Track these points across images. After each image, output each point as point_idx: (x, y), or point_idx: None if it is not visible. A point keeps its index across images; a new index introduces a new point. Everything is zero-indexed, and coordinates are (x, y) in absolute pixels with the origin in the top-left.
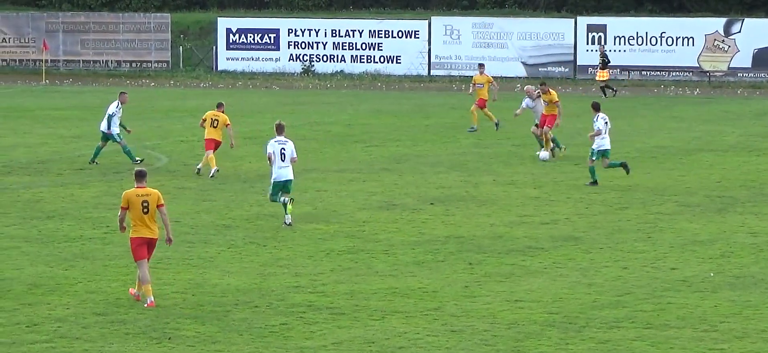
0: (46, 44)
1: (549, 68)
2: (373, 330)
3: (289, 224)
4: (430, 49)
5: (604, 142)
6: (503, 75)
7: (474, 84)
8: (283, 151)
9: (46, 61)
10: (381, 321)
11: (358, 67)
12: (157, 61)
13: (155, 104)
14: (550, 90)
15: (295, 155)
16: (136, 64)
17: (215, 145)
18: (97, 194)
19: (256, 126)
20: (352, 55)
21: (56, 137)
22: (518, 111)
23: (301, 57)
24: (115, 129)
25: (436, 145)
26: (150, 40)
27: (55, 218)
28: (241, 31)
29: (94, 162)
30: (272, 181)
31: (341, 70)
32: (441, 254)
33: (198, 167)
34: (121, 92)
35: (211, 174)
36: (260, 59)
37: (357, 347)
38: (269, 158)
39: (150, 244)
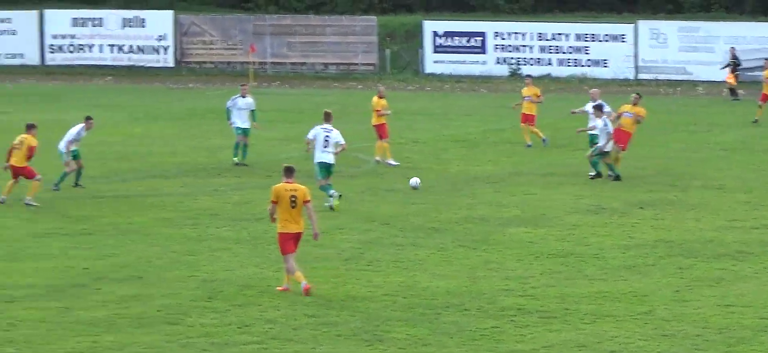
0: (254, 47)
1: (756, 73)
2: (584, 333)
3: (332, 208)
4: (636, 53)
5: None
6: (710, 80)
7: (523, 98)
8: (327, 138)
9: (254, 63)
10: (592, 324)
11: (565, 71)
12: (364, 64)
13: (362, 106)
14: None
15: (343, 142)
16: (343, 67)
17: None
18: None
19: (464, 129)
20: (558, 59)
21: (263, 140)
22: (577, 110)
23: (507, 60)
24: (66, 148)
25: (643, 148)
26: (357, 43)
27: (264, 220)
28: (448, 34)
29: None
30: (316, 162)
31: (548, 74)
32: (651, 258)
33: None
34: (88, 118)
35: (382, 161)
36: (466, 62)
37: (568, 350)
38: (308, 142)
39: (296, 238)
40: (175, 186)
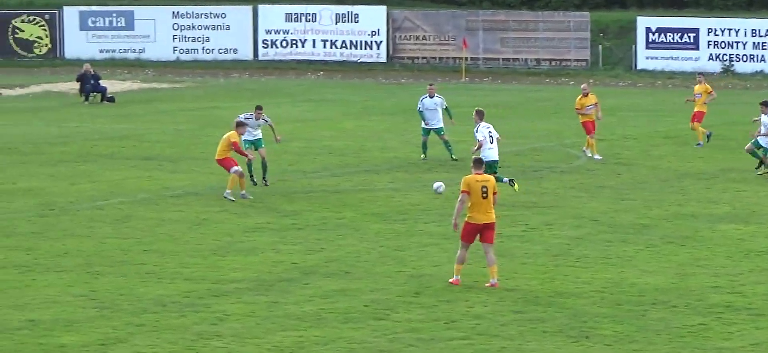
0: (466, 42)
1: None
2: None
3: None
4: None
5: None
6: None
7: (694, 95)
8: (491, 134)
9: (466, 58)
10: None
11: None
12: (577, 60)
13: (573, 102)
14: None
15: (497, 135)
16: (556, 63)
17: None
18: (521, 192)
19: (676, 126)
20: None
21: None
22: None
23: (720, 57)
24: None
25: None
26: (569, 39)
27: None
28: (661, 31)
29: None
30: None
31: (761, 71)
32: None
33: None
34: (258, 107)
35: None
36: (679, 59)
37: None
38: (480, 144)
39: (485, 228)
40: (385, 181)
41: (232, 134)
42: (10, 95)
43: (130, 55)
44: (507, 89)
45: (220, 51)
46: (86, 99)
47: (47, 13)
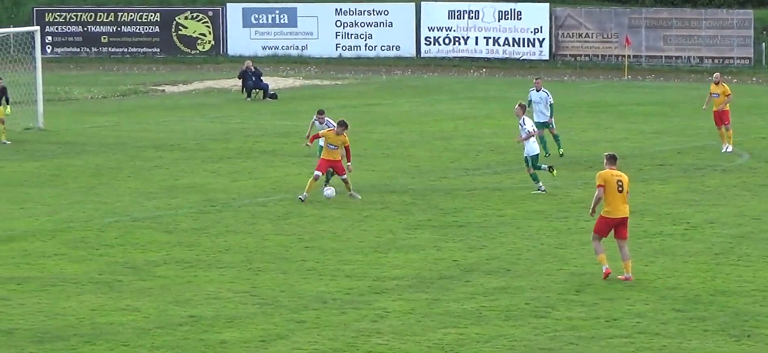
0: (629, 40)
1: None
2: None
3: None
4: None
5: None
6: None
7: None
8: (534, 128)
9: (628, 56)
10: None
11: None
12: (740, 58)
13: (736, 100)
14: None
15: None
16: (718, 61)
17: None
18: (677, 190)
19: None
20: None
21: (637, 133)
22: None
23: None
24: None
25: None
26: (732, 37)
27: (635, 213)
28: None
29: None
30: (528, 156)
31: None
32: None
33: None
34: (319, 111)
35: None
36: None
37: None
38: (530, 135)
39: (620, 224)
40: (547, 178)
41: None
42: (173, 92)
43: (293, 52)
44: (669, 87)
45: (383, 48)
46: (248, 96)
47: (211, 10)
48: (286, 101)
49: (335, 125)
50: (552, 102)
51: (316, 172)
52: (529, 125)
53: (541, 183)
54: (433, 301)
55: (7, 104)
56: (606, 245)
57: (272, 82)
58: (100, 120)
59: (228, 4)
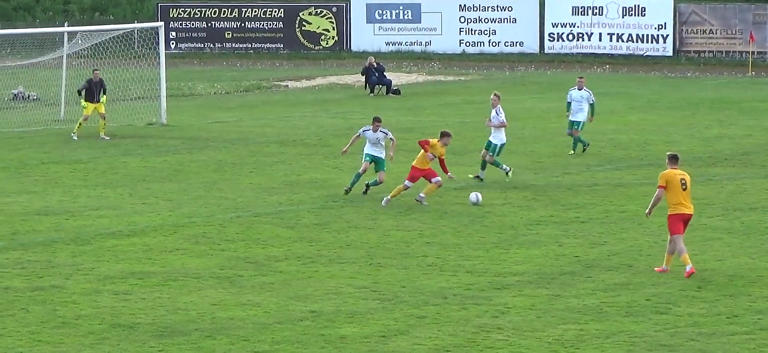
0: (753, 36)
1: None
2: None
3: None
4: None
5: None
6: None
7: None
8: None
9: (753, 52)
10: None
11: None
12: None
13: None
14: None
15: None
16: None
17: None
18: None
19: None
20: None
21: (761, 129)
22: None
23: None
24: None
25: None
26: None
27: (757, 210)
28: None
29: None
30: (497, 144)
31: None
32: None
33: None
34: (375, 118)
35: None
36: None
37: None
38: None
39: (686, 220)
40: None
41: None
42: (296, 88)
43: (416, 48)
44: None
45: (506, 44)
46: (371, 92)
47: (334, 5)
48: (409, 97)
49: (389, 132)
50: (593, 102)
51: (408, 182)
52: (503, 115)
53: (505, 166)
54: (554, 297)
55: (104, 94)
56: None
57: (395, 78)
58: (223, 116)
59: (352, 0)
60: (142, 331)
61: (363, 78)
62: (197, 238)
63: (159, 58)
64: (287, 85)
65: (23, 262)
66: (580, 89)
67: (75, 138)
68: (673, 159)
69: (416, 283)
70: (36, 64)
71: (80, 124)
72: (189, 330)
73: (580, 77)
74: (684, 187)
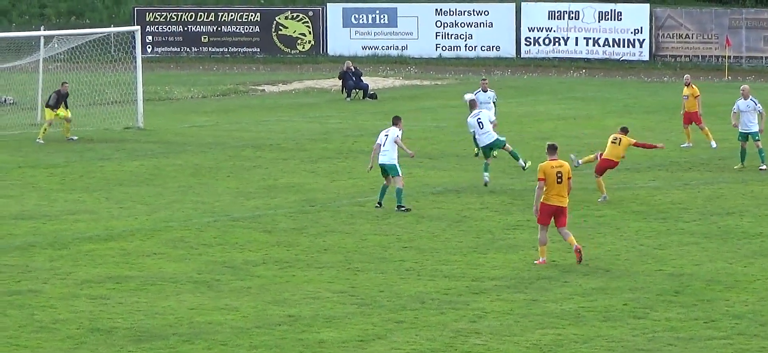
0: (729, 40)
1: None
2: None
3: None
4: None
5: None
6: None
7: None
8: (479, 120)
9: (729, 57)
10: None
11: None
12: None
13: None
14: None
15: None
16: None
17: None
18: None
19: None
20: None
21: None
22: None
23: None
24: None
25: None
26: None
27: (734, 214)
28: None
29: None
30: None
31: None
32: None
33: None
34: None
35: None
36: None
37: None
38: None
39: (559, 212)
40: (647, 179)
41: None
42: (273, 92)
43: (393, 53)
44: None
45: (483, 48)
46: (348, 96)
47: (311, 9)
48: (386, 101)
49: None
50: (496, 100)
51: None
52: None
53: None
54: (532, 302)
55: (66, 108)
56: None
57: (372, 82)
58: (200, 120)
59: (328, 4)
60: (120, 336)
61: (340, 82)
62: (175, 242)
63: (135, 62)
64: (264, 90)
65: (0, 267)
66: (484, 91)
67: (41, 142)
68: (552, 149)
69: (394, 288)
70: (12, 68)
71: (45, 129)
72: (167, 335)
73: (483, 79)
74: (559, 180)
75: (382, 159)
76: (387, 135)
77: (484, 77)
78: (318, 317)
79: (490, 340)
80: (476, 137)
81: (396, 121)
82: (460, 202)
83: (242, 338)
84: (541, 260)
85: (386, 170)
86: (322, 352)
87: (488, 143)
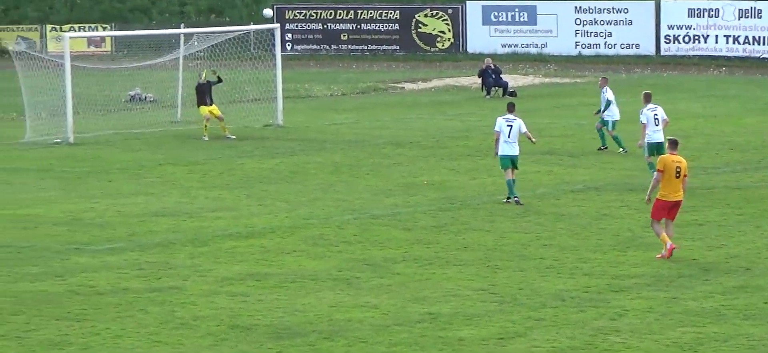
0: None
1: None
2: None
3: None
4: None
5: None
6: None
7: None
8: (656, 116)
9: None
10: None
11: None
12: None
13: None
14: None
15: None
16: None
17: None
18: None
19: None
20: None
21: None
22: None
23: None
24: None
25: None
26: None
27: None
28: None
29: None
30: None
31: None
32: None
33: None
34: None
35: None
36: None
37: None
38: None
39: (674, 206)
40: None
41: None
42: (412, 89)
43: (532, 50)
44: None
45: (622, 46)
46: (488, 94)
47: (450, 7)
48: (526, 99)
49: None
50: (607, 99)
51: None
52: (644, 116)
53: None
54: (672, 299)
55: (211, 103)
56: None
57: (511, 79)
58: (339, 117)
59: (468, 1)
60: (259, 333)
61: (479, 80)
62: (314, 240)
63: (275, 59)
64: (403, 87)
65: (141, 263)
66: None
67: (206, 139)
68: (673, 144)
69: (534, 285)
70: (152, 66)
71: (205, 125)
72: (307, 332)
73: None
74: (678, 175)
75: (511, 150)
76: (510, 125)
77: (604, 76)
78: (457, 314)
79: (629, 338)
80: (650, 132)
81: (512, 108)
82: (600, 200)
83: (382, 335)
84: (664, 252)
85: (513, 162)
86: (462, 350)
87: (658, 141)
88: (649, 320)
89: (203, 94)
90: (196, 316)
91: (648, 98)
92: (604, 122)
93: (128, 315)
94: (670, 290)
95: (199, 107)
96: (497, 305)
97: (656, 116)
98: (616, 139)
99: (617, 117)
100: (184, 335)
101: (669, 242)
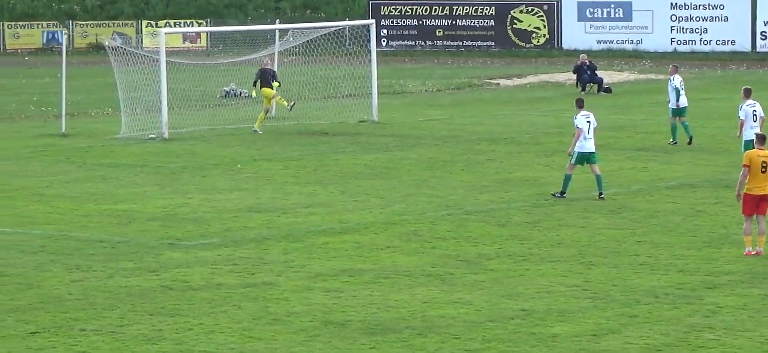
0: None
1: None
2: None
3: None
4: None
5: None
6: None
7: None
8: (755, 112)
9: None
10: None
11: None
12: None
13: None
14: None
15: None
16: None
17: None
18: None
19: None
20: None
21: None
22: None
23: None
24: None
25: None
26: None
27: None
28: None
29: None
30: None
31: None
32: None
33: None
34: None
35: None
36: None
37: None
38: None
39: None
40: None
41: None
42: (508, 85)
43: (628, 46)
44: None
45: (718, 42)
46: (583, 90)
47: (546, 3)
48: (621, 95)
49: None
50: (676, 87)
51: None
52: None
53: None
54: (767, 297)
55: (275, 80)
56: None
57: (607, 76)
58: (434, 113)
59: None
60: (353, 328)
61: (574, 76)
62: (408, 236)
63: (370, 55)
64: (498, 83)
65: (235, 259)
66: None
67: (258, 132)
68: (761, 140)
69: (628, 282)
70: (248, 62)
71: (262, 118)
72: (400, 328)
73: (674, 65)
74: (764, 169)
75: (589, 147)
76: (589, 122)
77: (674, 64)
78: (551, 311)
79: (724, 335)
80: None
81: (582, 104)
82: (694, 196)
83: (475, 331)
84: (748, 250)
85: (588, 158)
86: (555, 346)
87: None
88: (743, 317)
89: (268, 78)
90: (289, 312)
91: (748, 94)
92: (678, 112)
93: (221, 310)
94: (764, 287)
95: (262, 88)
96: (591, 301)
97: (755, 112)
98: (673, 128)
99: (685, 104)
100: (277, 331)
101: (748, 247)
